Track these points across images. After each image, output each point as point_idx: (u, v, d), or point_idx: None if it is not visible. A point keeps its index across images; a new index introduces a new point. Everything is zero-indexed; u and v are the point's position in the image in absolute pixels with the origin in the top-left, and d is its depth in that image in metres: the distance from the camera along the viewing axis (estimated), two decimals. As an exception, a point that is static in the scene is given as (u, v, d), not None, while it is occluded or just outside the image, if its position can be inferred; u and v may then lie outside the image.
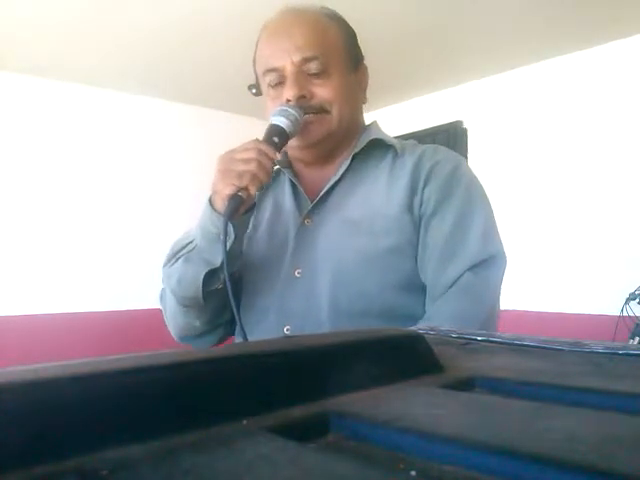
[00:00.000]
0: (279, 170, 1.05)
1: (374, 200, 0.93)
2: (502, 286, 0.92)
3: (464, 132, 3.72)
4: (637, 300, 2.84)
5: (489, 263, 0.88)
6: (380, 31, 2.85)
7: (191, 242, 0.96)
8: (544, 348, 0.42)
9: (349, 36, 0.98)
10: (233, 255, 0.89)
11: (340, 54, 0.95)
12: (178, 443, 0.21)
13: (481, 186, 0.97)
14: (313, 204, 0.96)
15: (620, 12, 2.71)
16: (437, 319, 0.83)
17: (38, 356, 3.11)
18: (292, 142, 0.95)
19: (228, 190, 0.82)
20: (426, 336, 0.37)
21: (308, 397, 0.27)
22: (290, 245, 0.95)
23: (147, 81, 3.54)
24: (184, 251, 0.97)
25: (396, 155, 0.97)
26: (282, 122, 0.88)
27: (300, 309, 0.91)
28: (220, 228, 0.82)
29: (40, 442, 0.19)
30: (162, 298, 1.05)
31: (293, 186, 1.02)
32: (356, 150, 0.97)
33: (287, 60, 0.91)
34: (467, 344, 0.44)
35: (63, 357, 2.47)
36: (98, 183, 3.63)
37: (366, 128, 1.03)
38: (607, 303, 2.97)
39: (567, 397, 0.29)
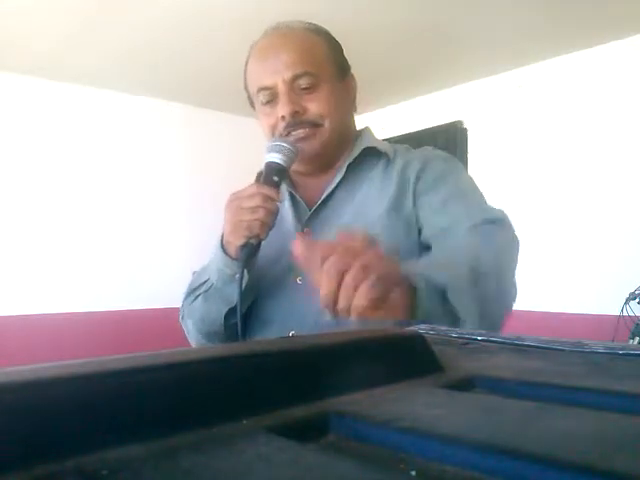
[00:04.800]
0: None
1: (367, 207, 0.97)
2: (516, 258, 0.88)
3: (464, 132, 3.72)
4: (637, 300, 2.84)
5: (493, 224, 0.88)
6: (380, 31, 2.85)
7: (207, 280, 1.00)
8: (544, 348, 0.42)
9: (335, 49, 1.02)
10: (249, 290, 0.95)
11: (328, 67, 0.98)
12: (178, 443, 0.21)
13: (465, 172, 1.02)
14: (310, 213, 1.00)
15: (620, 12, 2.71)
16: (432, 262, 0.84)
17: (38, 356, 3.11)
18: None
19: (240, 242, 0.88)
20: (426, 336, 0.37)
21: (308, 397, 0.27)
22: (290, 253, 0.96)
23: (147, 81, 3.54)
24: (202, 289, 1.01)
25: (388, 161, 1.01)
26: (278, 158, 0.92)
27: (302, 315, 0.92)
28: (234, 270, 0.90)
29: (40, 442, 0.19)
30: (183, 319, 1.08)
31: (292, 196, 1.05)
32: (350, 160, 1.00)
33: (278, 78, 0.94)
34: (467, 344, 0.44)
35: (63, 357, 2.47)
36: (98, 183, 3.63)
37: (359, 135, 1.07)
38: (607, 303, 2.97)
39: (567, 397, 0.29)
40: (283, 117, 0.95)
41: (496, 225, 0.89)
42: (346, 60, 1.05)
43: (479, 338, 0.46)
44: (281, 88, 0.95)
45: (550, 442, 0.21)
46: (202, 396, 0.24)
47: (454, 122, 3.74)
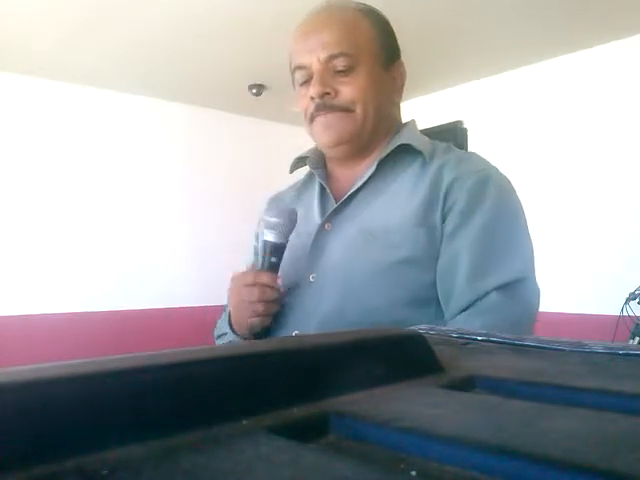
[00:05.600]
0: (313, 174, 1.06)
1: (393, 210, 0.91)
2: (534, 315, 0.86)
3: (464, 132, 3.72)
4: (637, 300, 2.84)
5: (518, 285, 0.84)
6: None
7: (227, 334, 1.01)
8: (544, 348, 0.42)
9: (384, 32, 0.96)
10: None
11: (371, 51, 0.93)
12: (178, 443, 0.21)
13: (512, 199, 0.93)
14: (333, 209, 0.96)
15: (620, 12, 2.71)
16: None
17: (38, 356, 3.11)
18: (318, 141, 0.97)
19: (245, 331, 0.91)
20: (426, 336, 0.37)
21: (308, 397, 0.27)
22: (308, 248, 0.95)
23: (147, 81, 3.54)
24: (224, 340, 1.03)
25: (425, 161, 0.94)
26: (272, 236, 0.90)
27: (308, 315, 0.91)
28: (246, 337, 0.93)
29: (40, 442, 0.19)
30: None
31: (322, 188, 1.02)
32: (382, 156, 0.94)
33: (314, 57, 0.91)
34: (467, 344, 0.44)
35: (63, 357, 2.47)
36: (98, 183, 3.64)
37: (400, 128, 1.00)
38: (607, 303, 2.97)
39: (567, 397, 0.29)
40: (312, 98, 0.92)
41: (503, 295, 0.82)
42: (396, 47, 0.99)
43: (479, 338, 0.46)
44: (316, 68, 0.91)
45: (550, 442, 0.21)
46: (202, 396, 0.24)
47: (454, 122, 3.74)
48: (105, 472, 0.18)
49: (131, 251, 3.71)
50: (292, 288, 0.95)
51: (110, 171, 3.68)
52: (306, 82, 0.94)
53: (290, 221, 0.90)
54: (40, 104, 3.45)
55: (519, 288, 0.84)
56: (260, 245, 0.93)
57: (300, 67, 0.93)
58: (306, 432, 0.24)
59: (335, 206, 0.95)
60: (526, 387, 0.31)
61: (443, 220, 0.88)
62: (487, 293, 0.83)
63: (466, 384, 0.32)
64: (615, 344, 0.41)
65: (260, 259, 0.92)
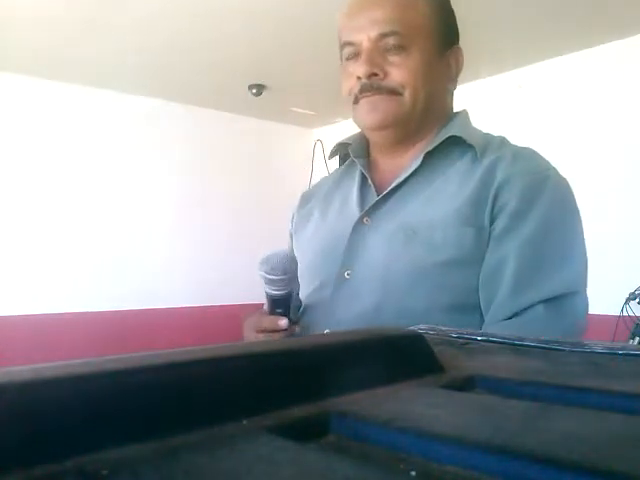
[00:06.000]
0: (354, 162, 0.99)
1: (437, 207, 0.85)
2: (582, 331, 0.81)
3: (464, 132, 3.71)
4: (637, 300, 2.84)
5: (566, 300, 0.79)
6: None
7: None
8: (544, 348, 0.42)
9: (442, 14, 0.90)
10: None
11: (426, 32, 0.87)
12: (178, 443, 0.21)
13: (570, 205, 0.87)
14: (373, 203, 0.90)
15: (620, 12, 2.71)
16: None
17: (38, 356, 3.11)
18: (361, 123, 0.92)
19: None
20: (426, 336, 0.37)
21: (308, 397, 0.27)
22: (344, 243, 0.90)
23: (147, 81, 3.54)
24: None
25: (475, 157, 0.87)
26: (274, 292, 0.86)
27: (343, 313, 0.86)
28: None
29: (40, 442, 0.19)
30: None
31: (363, 178, 0.96)
32: (429, 148, 0.88)
33: (364, 35, 0.85)
34: (467, 344, 0.44)
35: (63, 357, 2.47)
36: (98, 183, 3.64)
37: (451, 119, 0.94)
38: (607, 303, 2.97)
39: (567, 397, 0.28)
40: (359, 78, 0.86)
41: (549, 309, 0.77)
42: (455, 31, 0.93)
43: (479, 338, 0.46)
44: (365, 46, 0.85)
45: (550, 442, 0.21)
46: (202, 396, 0.24)
47: (454, 122, 3.74)
48: (105, 472, 0.18)
49: (131, 251, 3.71)
50: (325, 283, 0.90)
51: (110, 171, 3.68)
52: (353, 59, 0.88)
53: (285, 272, 0.85)
54: (40, 104, 3.45)
55: (566, 303, 0.79)
56: (267, 302, 0.89)
57: (348, 43, 0.88)
58: (306, 432, 0.24)
59: (375, 200, 0.90)
60: (526, 387, 0.31)
61: (492, 222, 0.81)
62: (531, 306, 0.77)
63: (466, 384, 0.32)
64: (615, 344, 0.41)
65: (268, 307, 0.88)
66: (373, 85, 0.85)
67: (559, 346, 0.41)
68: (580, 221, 0.86)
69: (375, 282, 0.85)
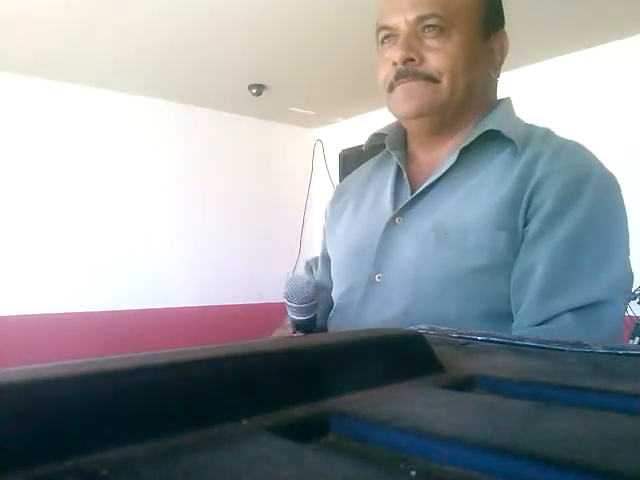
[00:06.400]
0: (389, 153, 0.95)
1: (473, 207, 0.80)
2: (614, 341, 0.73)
3: (464, 132, 3.71)
4: (637, 300, 2.84)
5: (597, 309, 0.73)
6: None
7: None
8: (544, 348, 0.42)
9: None
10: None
11: (468, 16, 0.81)
12: (178, 443, 0.21)
13: (614, 205, 0.80)
14: (405, 203, 0.85)
15: (620, 12, 2.71)
16: None
17: (38, 356, 3.11)
18: (396, 111, 0.87)
19: None
20: (426, 336, 0.37)
21: (308, 397, 0.27)
22: (376, 243, 0.87)
23: (147, 81, 3.54)
24: None
25: (516, 151, 0.81)
26: (293, 316, 0.84)
27: (372, 318, 0.83)
28: None
29: (40, 442, 0.19)
30: None
31: (398, 172, 0.91)
32: (465, 144, 0.83)
33: (401, 18, 0.80)
34: (467, 344, 0.44)
35: (63, 357, 2.47)
36: (98, 183, 3.64)
37: (494, 108, 0.88)
38: (607, 303, 2.97)
39: (567, 397, 0.29)
40: (394, 63, 0.81)
41: (578, 318, 0.72)
42: (500, 14, 0.87)
43: (479, 338, 0.46)
44: (402, 29, 0.80)
45: (550, 442, 0.21)
46: (202, 396, 0.24)
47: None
48: (105, 472, 0.18)
49: (130, 251, 3.71)
50: (355, 286, 0.87)
51: (110, 171, 3.68)
52: (389, 43, 0.83)
53: (303, 300, 0.82)
54: (40, 104, 3.45)
55: (597, 312, 0.73)
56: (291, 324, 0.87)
57: (385, 27, 0.83)
58: (306, 432, 0.24)
59: (408, 199, 0.85)
60: (526, 387, 0.31)
61: (525, 224, 0.76)
62: (559, 314, 0.73)
63: (466, 384, 0.32)
64: (615, 344, 0.41)
65: (291, 327, 0.87)
66: (409, 71, 0.81)
67: (559, 346, 0.41)
68: (625, 224, 0.79)
69: (405, 286, 0.81)
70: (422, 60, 0.81)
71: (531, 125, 0.88)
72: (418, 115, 0.84)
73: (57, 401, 0.21)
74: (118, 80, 3.51)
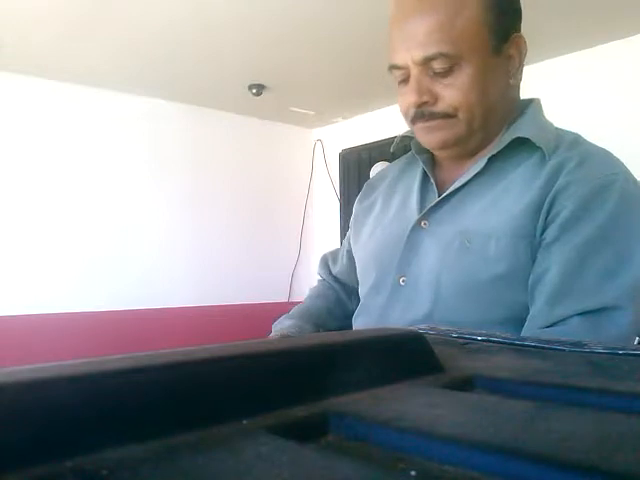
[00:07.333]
0: (413, 155, 0.97)
1: (497, 214, 0.80)
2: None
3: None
4: None
5: (606, 315, 0.73)
6: (380, 31, 2.85)
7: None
8: (544, 348, 0.42)
9: (492, 6, 0.80)
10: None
11: (476, 40, 0.79)
12: (178, 443, 0.21)
13: (632, 215, 0.78)
14: (431, 206, 0.86)
15: (620, 12, 2.71)
16: None
17: (38, 356, 3.11)
18: (421, 143, 0.89)
19: None
20: (426, 336, 0.37)
21: (308, 397, 0.27)
22: (401, 246, 0.88)
23: (147, 81, 3.54)
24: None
25: (544, 157, 0.81)
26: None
27: (395, 321, 0.84)
28: None
29: (40, 442, 0.19)
30: None
31: (424, 176, 0.92)
32: (493, 152, 0.84)
33: (408, 58, 0.80)
34: (467, 344, 0.44)
35: (63, 357, 2.47)
36: (98, 183, 3.64)
37: (522, 113, 0.88)
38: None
39: (567, 397, 0.29)
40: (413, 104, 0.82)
41: (586, 323, 0.73)
42: (512, 18, 0.83)
43: (479, 338, 0.46)
44: (412, 70, 0.80)
45: (550, 442, 0.21)
46: (202, 396, 0.24)
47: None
48: (105, 472, 0.18)
49: (129, 251, 3.71)
50: (379, 287, 0.89)
51: (109, 171, 3.68)
52: (404, 81, 0.84)
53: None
54: (40, 104, 3.45)
55: (606, 317, 0.73)
56: None
57: (395, 67, 0.83)
58: (306, 432, 0.24)
59: (434, 202, 0.86)
60: (526, 387, 0.31)
61: (543, 230, 0.77)
62: (567, 317, 0.74)
63: (466, 384, 0.32)
64: (615, 344, 0.41)
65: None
66: (425, 112, 0.82)
67: (559, 346, 0.41)
68: (635, 230, 0.77)
69: (428, 291, 0.82)
70: (436, 99, 0.81)
71: (560, 129, 0.89)
72: (443, 147, 0.86)
73: (57, 401, 0.21)
74: (117, 80, 3.51)
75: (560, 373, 0.34)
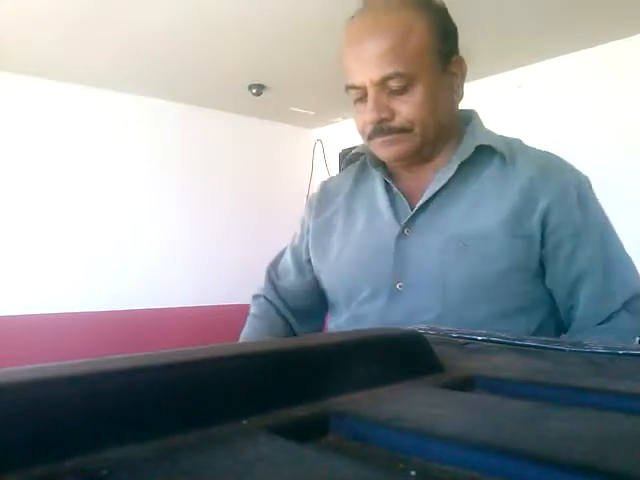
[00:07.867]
0: (366, 166, 1.01)
1: (481, 216, 0.88)
2: None
3: (464, 132, 3.71)
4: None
5: (638, 299, 0.86)
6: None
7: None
8: (544, 348, 0.42)
9: (438, 30, 0.88)
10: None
11: (428, 59, 0.86)
12: (178, 443, 0.21)
13: (599, 203, 0.94)
14: (412, 214, 0.91)
15: (620, 12, 2.71)
16: None
17: (38, 356, 3.11)
18: (377, 156, 0.94)
19: None
20: (426, 336, 0.37)
21: (308, 397, 0.27)
22: (390, 255, 0.91)
23: (147, 81, 3.54)
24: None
25: (504, 162, 0.90)
26: None
27: (401, 324, 0.86)
28: None
29: (40, 442, 0.19)
30: None
31: (387, 188, 0.97)
32: (462, 159, 0.90)
33: (366, 78, 0.85)
34: (467, 344, 0.44)
35: (63, 357, 2.47)
36: (98, 183, 3.64)
37: (468, 122, 0.96)
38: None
39: (567, 397, 0.29)
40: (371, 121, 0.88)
41: (630, 311, 0.84)
42: (452, 41, 0.91)
43: (479, 338, 0.46)
44: (369, 89, 0.86)
45: (550, 442, 0.21)
46: (202, 396, 0.24)
47: (454, 122, 3.73)
48: (105, 472, 0.18)
49: (129, 251, 3.71)
50: (375, 295, 0.91)
51: (109, 171, 3.68)
52: (360, 99, 0.89)
53: None
54: (40, 104, 3.45)
55: (639, 302, 0.86)
56: None
57: (352, 87, 0.89)
58: (306, 432, 0.24)
59: (414, 210, 0.91)
60: (526, 387, 0.31)
61: (542, 234, 0.86)
62: (615, 312, 0.84)
63: (466, 384, 0.32)
64: (615, 344, 0.41)
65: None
66: (383, 128, 0.87)
67: (559, 346, 0.41)
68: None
69: (432, 293, 0.86)
70: (393, 115, 0.87)
71: (502, 136, 0.97)
72: (400, 159, 0.92)
73: (57, 401, 0.21)
74: (117, 80, 3.51)
75: (560, 373, 0.34)
